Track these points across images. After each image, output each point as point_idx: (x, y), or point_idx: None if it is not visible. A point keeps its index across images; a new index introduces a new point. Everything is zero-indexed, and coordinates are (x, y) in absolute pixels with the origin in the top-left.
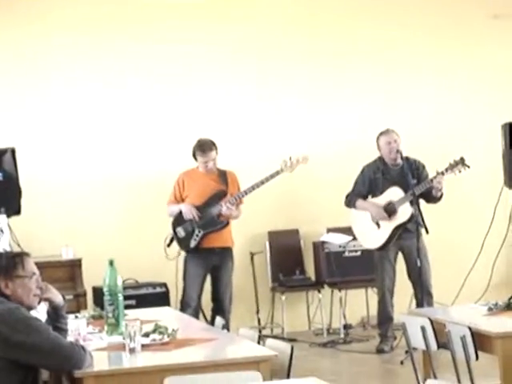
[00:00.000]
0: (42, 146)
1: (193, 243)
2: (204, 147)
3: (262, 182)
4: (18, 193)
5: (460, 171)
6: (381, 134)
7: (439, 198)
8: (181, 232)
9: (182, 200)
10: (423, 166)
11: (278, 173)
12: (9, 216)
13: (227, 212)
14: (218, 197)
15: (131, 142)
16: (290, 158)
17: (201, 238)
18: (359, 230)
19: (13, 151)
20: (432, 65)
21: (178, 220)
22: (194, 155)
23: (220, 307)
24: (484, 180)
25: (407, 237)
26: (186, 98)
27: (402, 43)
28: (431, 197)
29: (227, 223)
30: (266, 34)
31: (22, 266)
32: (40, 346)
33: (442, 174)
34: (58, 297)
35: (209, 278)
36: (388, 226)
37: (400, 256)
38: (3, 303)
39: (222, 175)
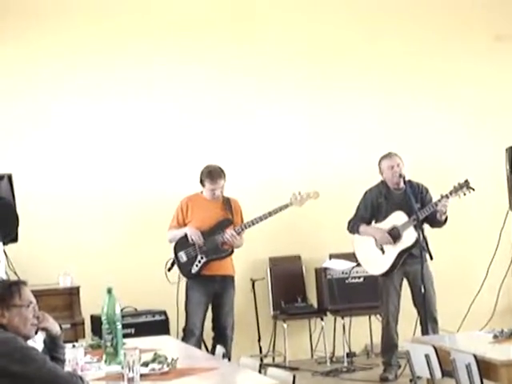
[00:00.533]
0: (39, 173)
1: (194, 269)
2: (213, 174)
3: (270, 214)
4: (14, 220)
5: (465, 194)
6: (383, 157)
7: (444, 222)
8: (183, 257)
9: (185, 225)
10: (427, 190)
11: (286, 206)
12: (5, 243)
13: (230, 239)
14: (224, 225)
15: (129, 168)
16: (300, 193)
17: (203, 265)
18: (363, 256)
19: (9, 177)
20: (435, 87)
21: (181, 244)
22: (202, 181)
23: (222, 336)
24: (489, 204)
25: (412, 262)
26: (190, 121)
27: (403, 66)
28: (436, 221)
29: (231, 252)
30: (271, 62)
31: (18, 294)
32: (37, 377)
33: (447, 197)
34: (55, 326)
35: (210, 307)
36: (392, 252)
37: (405, 282)
38: (1, 333)
39: (227, 202)
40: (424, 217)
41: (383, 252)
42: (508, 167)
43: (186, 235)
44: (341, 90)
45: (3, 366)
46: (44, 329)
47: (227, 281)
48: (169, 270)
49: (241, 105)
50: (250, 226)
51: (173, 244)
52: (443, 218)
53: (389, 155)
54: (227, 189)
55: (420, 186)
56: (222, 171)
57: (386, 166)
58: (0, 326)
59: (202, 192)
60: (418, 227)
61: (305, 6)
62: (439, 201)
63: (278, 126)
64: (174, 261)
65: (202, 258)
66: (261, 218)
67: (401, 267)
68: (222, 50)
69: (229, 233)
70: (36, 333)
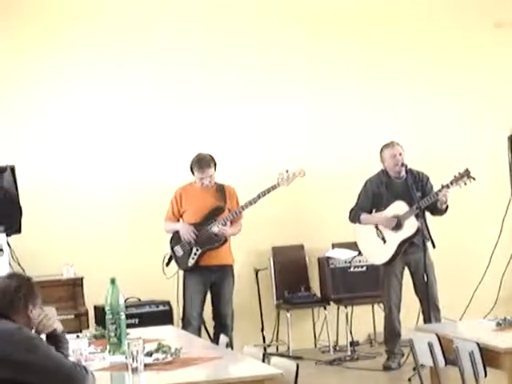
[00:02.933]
0: (41, 164)
1: (191, 262)
2: (201, 163)
3: (259, 197)
4: (18, 211)
5: (465, 183)
6: (385, 146)
7: (445, 211)
8: (179, 251)
9: (180, 215)
10: (427, 178)
11: (274, 187)
12: (9, 235)
13: (220, 232)
14: (216, 213)
15: (130, 160)
16: (287, 171)
17: (199, 256)
18: (364, 245)
19: (12, 169)
20: (434, 76)
21: (176, 239)
22: (191, 170)
23: (222, 325)
24: (491, 192)
25: (413, 251)
26: (184, 114)
27: (402, 56)
28: (436, 210)
29: (225, 240)
30: (266, 52)
31: (38, 295)
32: (42, 366)
33: (448, 186)
34: (58, 325)
35: (209, 296)
36: (394, 241)
37: (406, 271)
38: (6, 324)
39: (221, 190)
40: (425, 206)
41: (384, 241)
42: (510, 155)
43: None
44: (340, 77)
45: (8, 355)
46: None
47: (225, 270)
48: (167, 264)
49: (238, 94)
50: (240, 211)
51: (169, 238)
52: (444, 207)
53: (391, 144)
54: (225, 178)
55: (421, 175)
56: (213, 159)
57: (388, 155)
58: (7, 319)
59: (195, 182)
60: (420, 216)
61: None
62: (440, 191)
63: (277, 115)
64: (171, 255)
65: (197, 249)
66: (250, 203)
67: (402, 256)
68: (216, 38)
69: (215, 229)
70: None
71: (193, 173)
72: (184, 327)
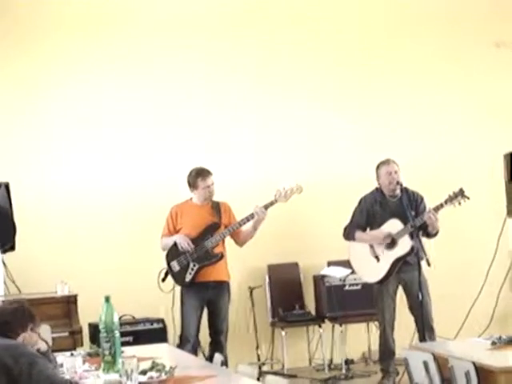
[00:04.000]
0: (36, 181)
1: (188, 277)
2: (203, 172)
3: (256, 213)
4: (12, 228)
5: (460, 203)
6: (381, 163)
7: (435, 235)
8: (175, 266)
9: (176, 232)
10: (422, 198)
11: (272, 203)
12: (3, 252)
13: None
14: (212, 229)
15: (125, 177)
16: (284, 188)
17: (196, 272)
18: (358, 263)
19: (7, 186)
20: (432, 93)
21: (173, 254)
22: (193, 183)
23: (217, 341)
24: (486, 210)
25: (407, 270)
26: (180, 130)
27: (403, 73)
28: (427, 232)
29: (221, 256)
30: (263, 68)
31: (35, 319)
32: (35, 380)
33: (442, 206)
34: (43, 345)
35: (205, 313)
36: (387, 259)
37: (400, 289)
38: (10, 340)
39: (216, 206)
40: (419, 225)
41: (378, 260)
42: (506, 174)
43: (176, 243)
44: (338, 95)
45: (11, 368)
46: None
47: (221, 287)
48: (163, 280)
49: (235, 109)
50: (237, 227)
51: (164, 254)
52: (434, 231)
53: (387, 161)
54: (221, 194)
55: (415, 195)
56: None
57: (384, 172)
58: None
59: (191, 199)
60: (415, 235)
61: (304, 5)
62: (428, 212)
63: (273, 132)
64: (167, 271)
65: (194, 265)
66: (247, 219)
67: (396, 274)
68: (214, 56)
69: (210, 242)
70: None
71: (194, 187)
72: (181, 344)
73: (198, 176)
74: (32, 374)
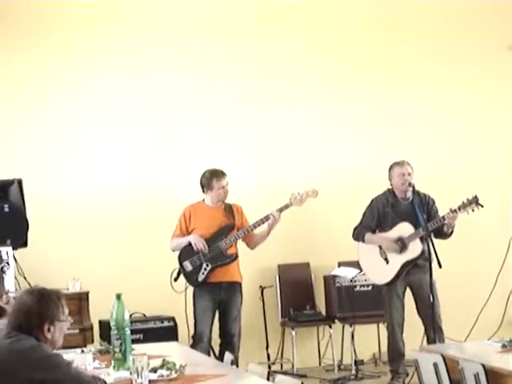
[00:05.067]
0: (49, 178)
1: (201, 277)
2: (218, 173)
3: (272, 215)
4: (24, 225)
5: (473, 210)
6: (395, 164)
7: (449, 235)
8: (188, 266)
9: (188, 233)
10: (433, 201)
11: (286, 206)
12: (15, 248)
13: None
14: (226, 231)
15: (139, 175)
16: (299, 192)
17: (209, 272)
18: (367, 264)
19: (20, 182)
20: (444, 97)
21: (185, 254)
22: (208, 185)
23: (229, 342)
24: (498, 213)
25: (416, 272)
26: (192, 131)
27: (413, 75)
28: (441, 233)
29: (235, 257)
30: (271, 70)
31: (63, 308)
32: (62, 383)
33: (455, 211)
34: None
35: (217, 313)
36: (397, 262)
37: (408, 291)
38: (23, 340)
39: (228, 208)
40: (432, 229)
41: (387, 262)
42: None
43: (189, 244)
44: (350, 98)
45: (27, 377)
46: None
47: (234, 287)
48: (175, 280)
49: (245, 110)
50: (252, 229)
51: (177, 253)
52: (449, 230)
53: (401, 162)
54: (234, 195)
55: (427, 197)
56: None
57: (398, 173)
58: (25, 334)
59: (203, 200)
60: (425, 239)
61: (308, 6)
62: (448, 214)
63: (284, 132)
64: (179, 270)
65: (207, 265)
66: (262, 221)
67: (404, 276)
68: (223, 55)
69: (223, 242)
70: None
71: (209, 188)
72: (194, 343)
73: (212, 177)
74: (55, 378)
